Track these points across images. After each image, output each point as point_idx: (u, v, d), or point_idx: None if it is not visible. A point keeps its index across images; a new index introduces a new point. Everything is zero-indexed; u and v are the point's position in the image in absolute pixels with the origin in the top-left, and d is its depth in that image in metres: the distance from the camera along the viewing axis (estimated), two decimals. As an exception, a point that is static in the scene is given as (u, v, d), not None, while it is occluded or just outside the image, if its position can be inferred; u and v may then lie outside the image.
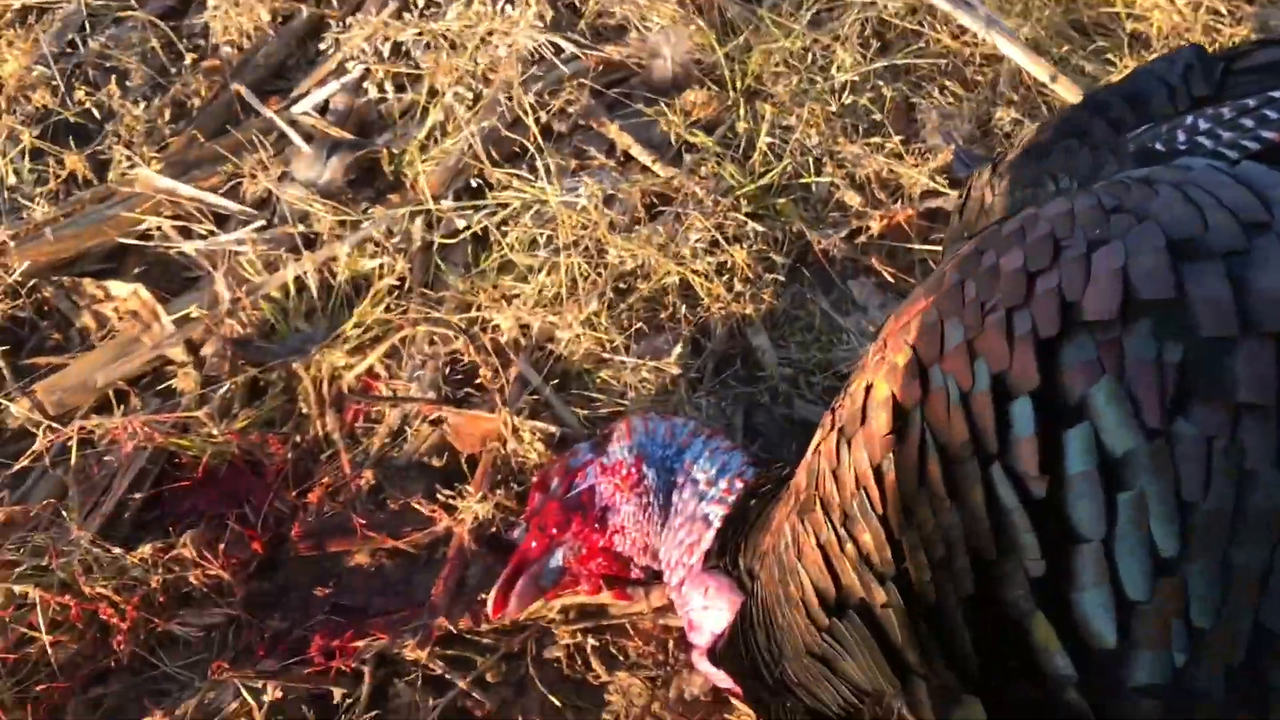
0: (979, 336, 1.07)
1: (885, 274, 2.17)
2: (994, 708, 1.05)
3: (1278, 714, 0.95)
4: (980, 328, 1.08)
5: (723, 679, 1.59)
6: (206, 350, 1.98)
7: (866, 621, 1.14)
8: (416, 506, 1.84)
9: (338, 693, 1.62)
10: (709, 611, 1.55)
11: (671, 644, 1.71)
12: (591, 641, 1.71)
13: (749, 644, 1.44)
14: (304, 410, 1.98)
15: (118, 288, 2.03)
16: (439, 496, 1.84)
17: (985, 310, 1.08)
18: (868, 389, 1.18)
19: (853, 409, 1.19)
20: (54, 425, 1.87)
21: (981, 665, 1.05)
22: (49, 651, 1.65)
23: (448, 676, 1.66)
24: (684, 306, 2.06)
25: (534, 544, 1.66)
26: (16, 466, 1.89)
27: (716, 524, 1.59)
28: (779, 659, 1.36)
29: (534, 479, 1.78)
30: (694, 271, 2.08)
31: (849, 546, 1.14)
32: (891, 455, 1.10)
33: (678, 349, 2.01)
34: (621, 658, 1.71)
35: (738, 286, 2.10)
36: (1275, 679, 0.95)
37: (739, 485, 1.61)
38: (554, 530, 1.66)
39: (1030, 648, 0.99)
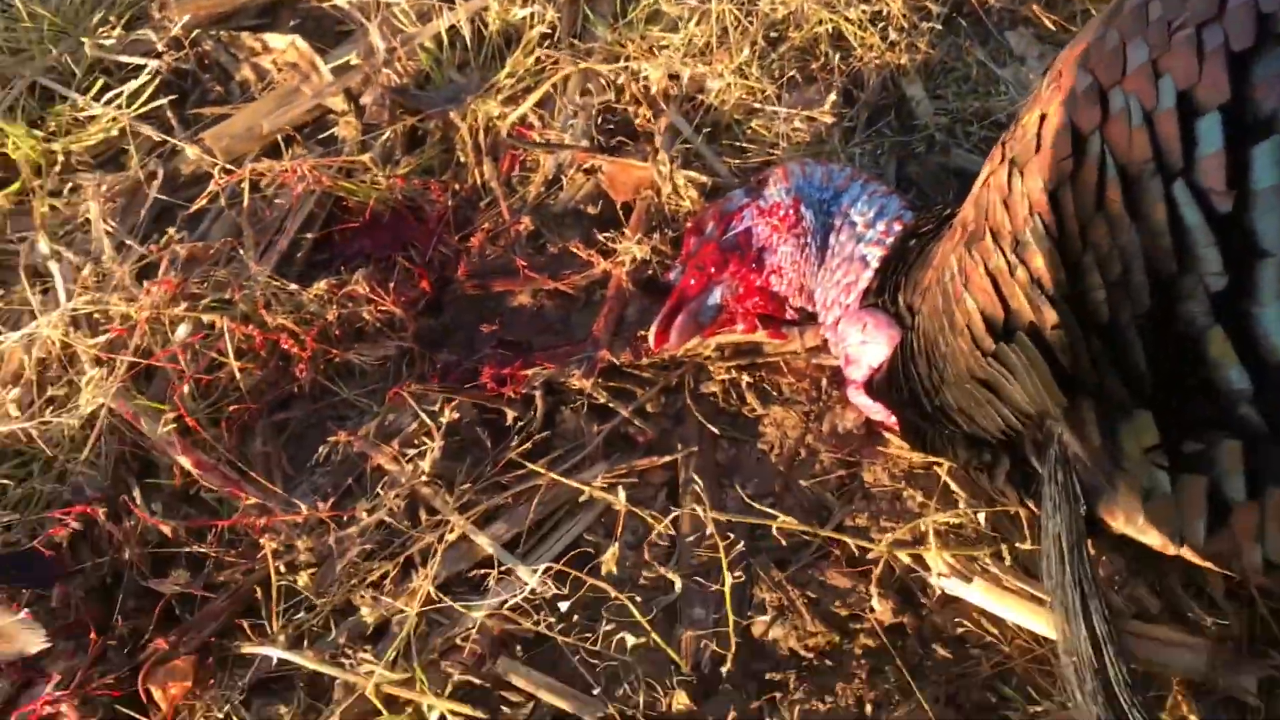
0: (1165, 55, 1.09)
1: (1045, 23, 2.14)
2: (1165, 423, 1.11)
3: None
4: (1166, 46, 1.09)
5: (877, 411, 1.68)
6: (365, 99, 2.08)
7: (1035, 343, 1.20)
8: (574, 250, 1.94)
9: (510, 415, 1.76)
10: (867, 346, 1.63)
11: (824, 381, 1.80)
12: (746, 378, 1.81)
13: (908, 374, 1.52)
14: (461, 159, 2.07)
15: (275, 40, 2.13)
16: (596, 241, 1.94)
17: (1172, 29, 1.10)
18: (1042, 118, 1.20)
19: (1025, 139, 1.22)
20: (228, 168, 2.01)
21: (1154, 383, 1.11)
22: (237, 377, 1.82)
23: (610, 405, 1.79)
24: (837, 56, 2.07)
25: (692, 282, 1.75)
26: (193, 208, 2.04)
27: (874, 264, 1.65)
28: (939, 387, 1.43)
29: (689, 223, 1.86)
30: (847, 20, 2.08)
31: (1019, 272, 1.18)
32: (1068, 180, 1.15)
33: (831, 98, 2.04)
34: (775, 393, 1.81)
35: (892, 35, 2.09)
36: None
37: (897, 227, 1.67)
38: (712, 270, 1.74)
39: (1205, 363, 1.04)
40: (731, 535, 1.58)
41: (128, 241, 1.94)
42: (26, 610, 1.59)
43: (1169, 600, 1.50)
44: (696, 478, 1.67)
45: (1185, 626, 1.47)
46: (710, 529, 1.56)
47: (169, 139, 2.09)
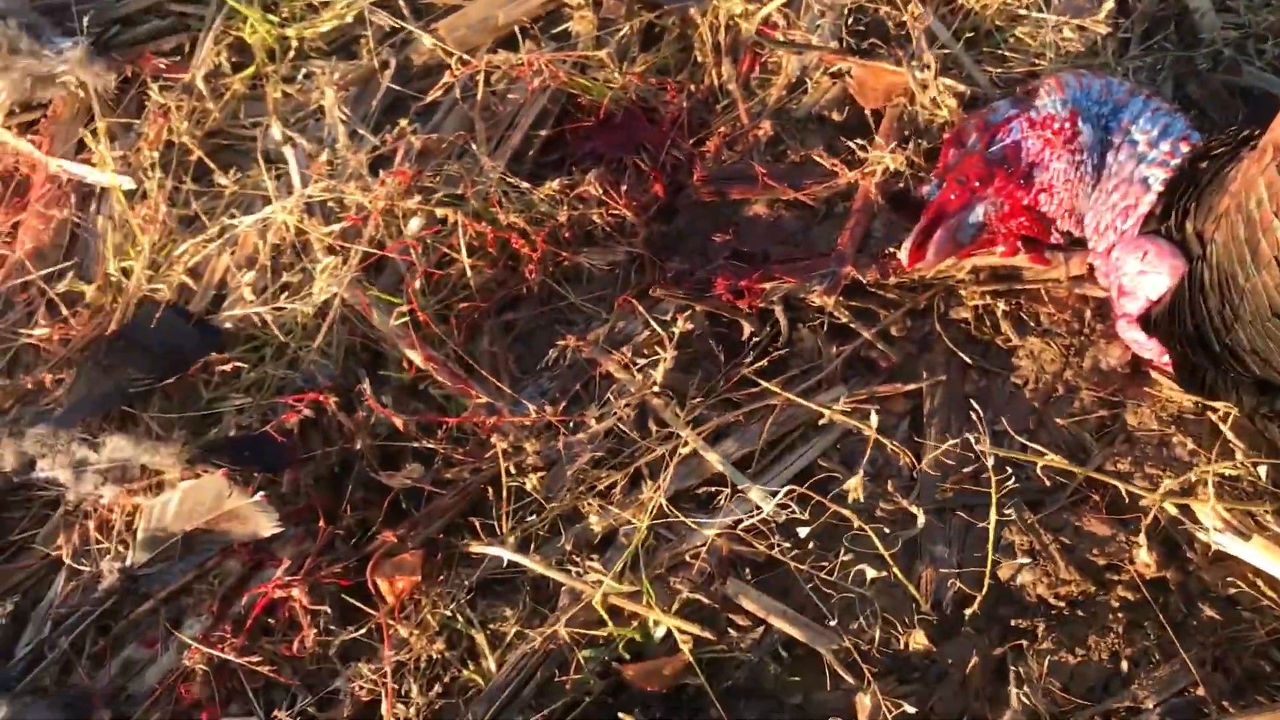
0: None
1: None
2: None
3: None
4: None
5: (1150, 348, 1.61)
6: (601, -7, 2.09)
7: None
8: (817, 159, 1.90)
9: (746, 329, 1.76)
10: (1145, 276, 1.56)
11: (1089, 313, 1.73)
12: (1002, 305, 1.75)
13: (1195, 309, 1.44)
14: (699, 58, 2.05)
15: (512, -72, 2.15)
16: (841, 150, 1.91)
17: None
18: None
19: None
20: (463, 58, 2.05)
21: None
22: (468, 274, 1.86)
23: (852, 326, 1.76)
24: (1112, -41, 1.97)
25: (952, 197, 1.69)
26: (427, 99, 2.08)
27: (1157, 187, 1.57)
28: (1232, 324, 1.36)
29: (947, 134, 1.80)
30: (1126, -82, 1.97)
31: None
32: None
33: (1106, 5, 1.93)
34: (1033, 323, 1.75)
35: (1177, -63, 1.98)
36: None
37: (1184, 148, 1.57)
38: (975, 184, 1.68)
39: None
40: (980, 472, 1.55)
41: (361, 131, 1.99)
42: (261, 494, 1.67)
43: None
44: (944, 406, 1.64)
45: None
46: (958, 460, 1.53)
47: (403, 25, 2.13)
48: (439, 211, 1.85)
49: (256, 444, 1.73)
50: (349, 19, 2.18)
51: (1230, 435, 1.57)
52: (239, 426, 1.78)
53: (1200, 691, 1.44)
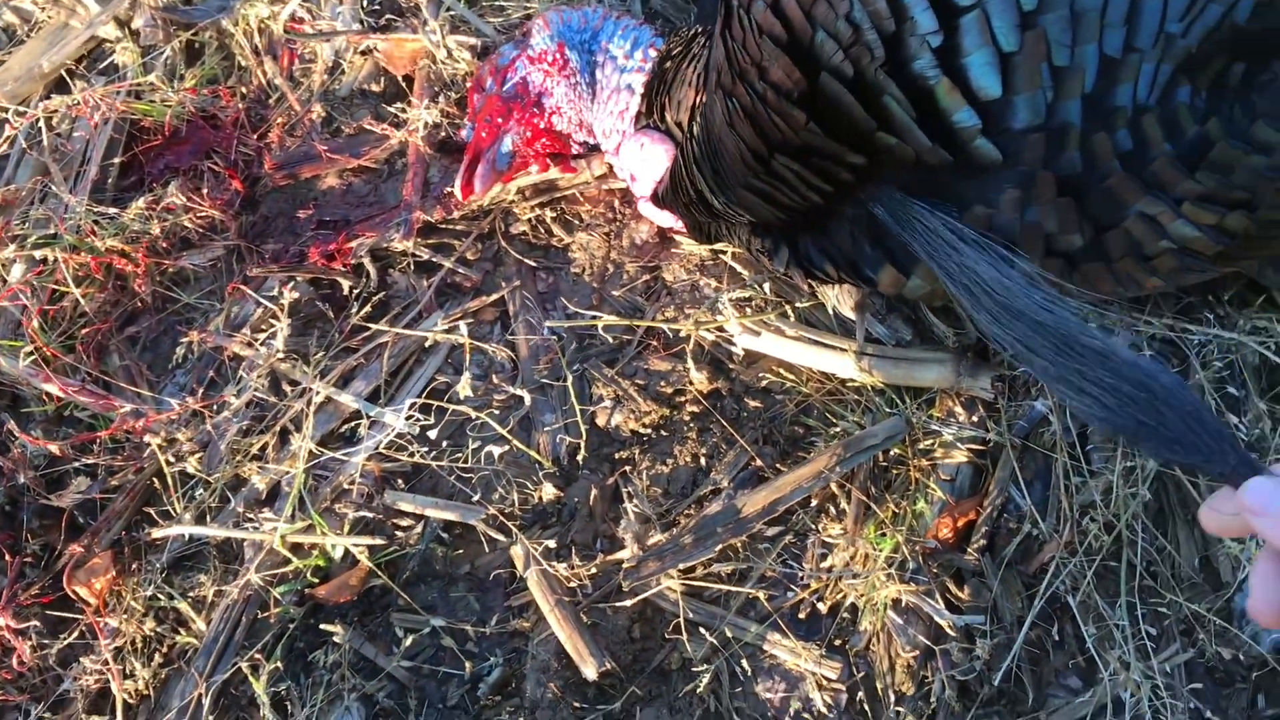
0: None
1: None
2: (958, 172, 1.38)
3: (1120, 126, 1.32)
4: None
5: (666, 219, 2.00)
6: (137, 23, 2.23)
7: (797, 156, 1.44)
8: (369, 127, 2.17)
9: (345, 284, 2.02)
10: (647, 163, 1.93)
11: (617, 203, 2.11)
12: (549, 213, 2.11)
13: (691, 179, 1.79)
14: (243, 62, 2.25)
15: (29, -21, 2.25)
16: (386, 115, 2.19)
17: None
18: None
19: None
20: (20, 109, 2.16)
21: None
22: (81, 302, 2.01)
23: (434, 260, 2.06)
24: (572, -93, 2.32)
25: (484, 135, 2.01)
26: (-6, 156, 2.19)
27: (640, 90, 1.94)
28: (723, 189, 1.66)
29: (469, 83, 2.12)
30: None
31: (769, 95, 1.39)
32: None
33: (585, -51, 2.29)
34: (577, 221, 2.11)
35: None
36: (1118, 97, 1.31)
37: (652, 54, 1.96)
38: (499, 120, 2.01)
39: (940, 112, 1.32)
40: (564, 349, 1.90)
41: (-63, 201, 2.07)
42: (-62, 547, 1.78)
43: (921, 327, 1.89)
44: (524, 305, 1.97)
45: (934, 346, 1.87)
46: (544, 344, 1.87)
47: (-50, 93, 2.20)
48: (37, 254, 1.97)
49: (-80, 508, 1.82)
50: (-109, 102, 2.20)
51: (738, 267, 1.96)
52: (-103, 499, 1.86)
53: (759, 463, 1.83)
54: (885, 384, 1.81)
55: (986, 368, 1.78)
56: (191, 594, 1.77)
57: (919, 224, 1.41)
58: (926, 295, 1.51)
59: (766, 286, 1.91)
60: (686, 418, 1.86)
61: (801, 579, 1.71)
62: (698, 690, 1.64)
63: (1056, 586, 1.66)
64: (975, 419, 1.79)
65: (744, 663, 1.66)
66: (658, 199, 1.91)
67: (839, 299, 1.85)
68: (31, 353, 1.89)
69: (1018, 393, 1.80)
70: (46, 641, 1.73)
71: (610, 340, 1.91)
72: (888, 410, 1.81)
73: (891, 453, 1.79)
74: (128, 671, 1.69)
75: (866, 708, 1.64)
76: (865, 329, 1.82)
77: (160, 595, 1.76)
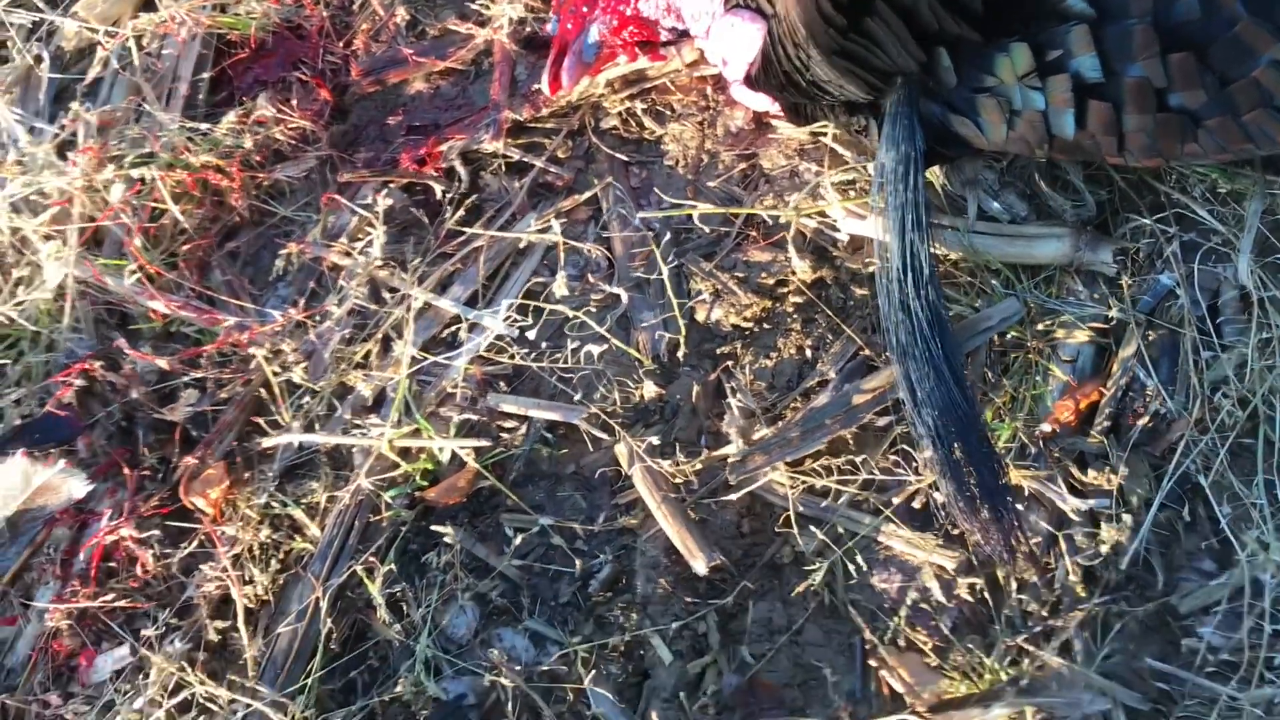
0: None
1: None
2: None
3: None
4: None
5: (761, 102, 1.92)
6: (217, -65, 2.23)
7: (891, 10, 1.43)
8: (453, 28, 2.13)
9: (438, 189, 2.00)
10: (739, 44, 1.86)
11: (710, 90, 2.04)
12: (640, 105, 2.05)
13: (780, 58, 1.76)
14: (324, -29, 2.24)
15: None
16: (470, 14, 2.14)
17: None
18: None
19: None
20: (110, 30, 2.17)
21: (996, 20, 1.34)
22: (180, 219, 2.03)
23: (525, 159, 2.03)
24: None
25: (569, 26, 1.96)
26: (88, 78, 2.20)
27: (729, -31, 1.87)
28: (808, 64, 1.66)
29: (553, -24, 2.06)
30: None
31: None
32: None
33: None
34: (669, 112, 2.05)
35: None
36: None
37: (741, -66, 1.88)
38: (583, 10, 1.95)
39: None
40: (659, 244, 1.86)
41: (37, 125, 2.10)
42: (63, 462, 1.84)
43: (1037, 202, 1.80)
44: (617, 201, 1.93)
45: (1051, 220, 1.78)
46: (639, 240, 1.83)
47: (44, 17, 2.22)
48: (135, 173, 1.99)
49: (43, 424, 1.88)
50: (-11, 26, 2.24)
51: (839, 149, 1.89)
52: (22, 416, 1.92)
53: (867, 352, 1.77)
54: (1000, 263, 1.73)
55: (1108, 241, 1.68)
56: (304, 501, 1.79)
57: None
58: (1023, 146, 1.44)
59: (870, 167, 1.83)
60: (789, 309, 1.82)
61: (915, 469, 1.66)
62: (812, 585, 1.60)
63: (1187, 466, 1.58)
64: (1096, 296, 1.70)
65: (858, 556, 1.63)
66: (751, 81, 1.85)
67: (948, 175, 1.77)
68: (135, 271, 1.92)
69: (1141, 266, 1.70)
70: (168, 551, 1.77)
71: (707, 232, 1.86)
72: (1003, 291, 1.73)
73: (1008, 336, 1.72)
74: (246, 578, 1.73)
75: (987, 596, 1.59)
76: (977, 205, 1.73)
77: (274, 503, 1.79)
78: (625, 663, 1.64)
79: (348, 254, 1.89)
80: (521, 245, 1.88)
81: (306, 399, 1.83)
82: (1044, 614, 1.57)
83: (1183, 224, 1.70)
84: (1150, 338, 1.66)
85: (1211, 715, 1.46)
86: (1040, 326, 1.70)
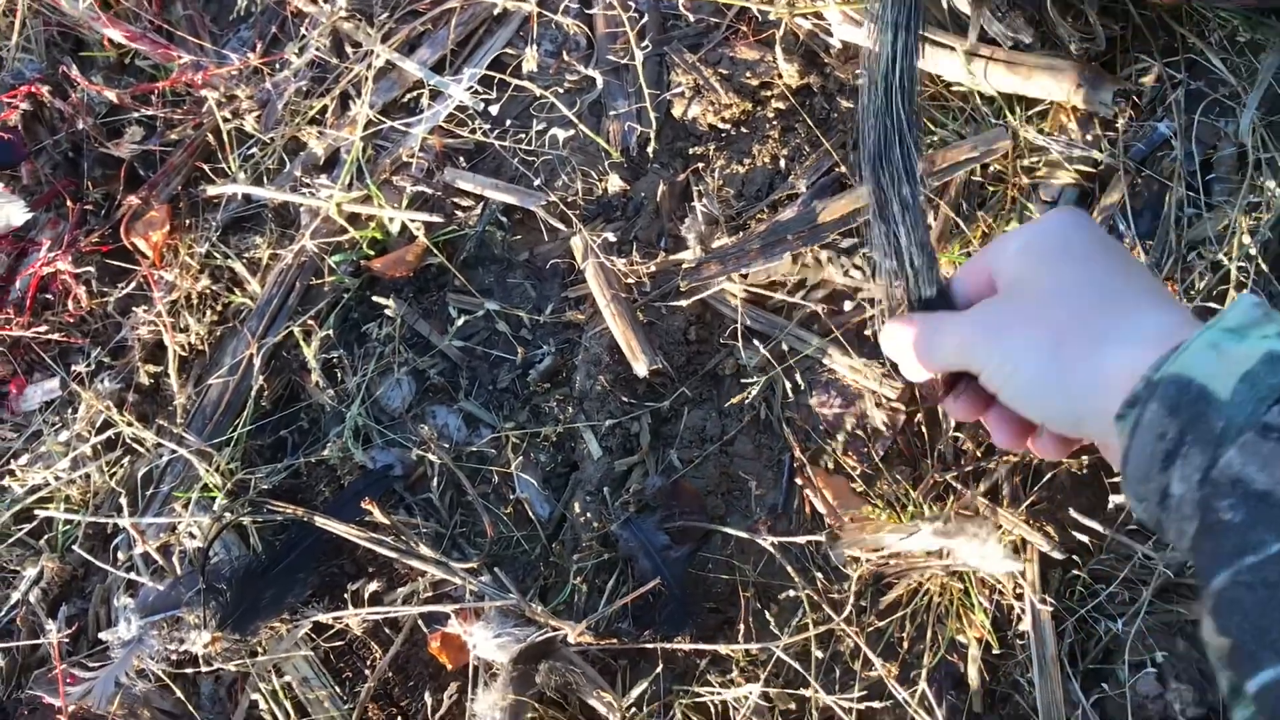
0: None
1: None
2: None
3: None
4: None
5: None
6: None
7: None
8: None
9: (413, -60, 1.89)
10: None
11: None
12: (642, -127, 1.91)
13: None
14: None
15: None
16: None
17: None
18: None
19: None
20: None
21: None
22: (143, -56, 1.93)
23: None
24: None
25: None
26: None
27: None
28: None
29: None
30: None
31: None
32: None
33: None
34: (673, -115, 1.92)
35: None
36: None
37: None
38: None
39: None
40: (644, 29, 1.76)
41: None
42: (2, 185, 1.79)
43: (1044, 30, 1.69)
44: (603, -24, 1.82)
45: (1055, 52, 1.67)
46: (623, 25, 1.73)
47: None
48: (96, -112, 1.87)
49: (-15, 147, 1.82)
50: None
51: (846, -51, 1.77)
52: (-37, 137, 1.86)
53: (843, 169, 1.71)
54: (996, 91, 1.65)
55: (1110, 81, 1.59)
56: (247, 255, 1.76)
57: None
58: None
59: (874, -29, 1.71)
60: (770, 115, 1.74)
61: (871, 299, 1.62)
62: (748, 398, 1.59)
63: (1147, 324, 1.54)
64: (1090, 137, 1.63)
65: (798, 375, 1.60)
66: None
67: (955, -12, 1.66)
68: (92, -7, 1.83)
69: (1142, 111, 1.62)
70: (105, 290, 1.75)
71: (693, 21, 1.77)
72: (993, 121, 1.65)
73: (991, 168, 1.65)
74: (182, 325, 1.71)
75: (924, 430, 1.58)
76: (980, 25, 1.63)
77: (216, 254, 1.76)
78: (555, 453, 1.64)
79: (313, 1, 1.79)
80: (497, 12, 1.78)
81: (256, 150, 1.77)
82: (978, 454, 1.56)
83: (1193, 71, 1.61)
84: (1136, 188, 1.59)
85: (1123, 571, 1.46)
86: (1026, 162, 1.63)
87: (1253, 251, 1.47)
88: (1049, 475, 1.48)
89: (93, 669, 1.48)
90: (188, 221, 1.74)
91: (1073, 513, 1.48)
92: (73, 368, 1.67)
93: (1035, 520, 1.46)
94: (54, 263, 1.69)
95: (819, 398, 1.60)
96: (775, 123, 1.72)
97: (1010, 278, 0.69)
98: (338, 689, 1.57)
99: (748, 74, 1.75)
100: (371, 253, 1.72)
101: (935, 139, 1.65)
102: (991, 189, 1.63)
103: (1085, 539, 1.47)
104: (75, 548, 1.61)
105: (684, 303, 1.62)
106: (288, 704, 1.53)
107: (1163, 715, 1.43)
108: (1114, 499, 1.48)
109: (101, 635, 1.54)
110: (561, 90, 1.71)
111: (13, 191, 1.73)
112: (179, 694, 1.54)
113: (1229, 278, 1.50)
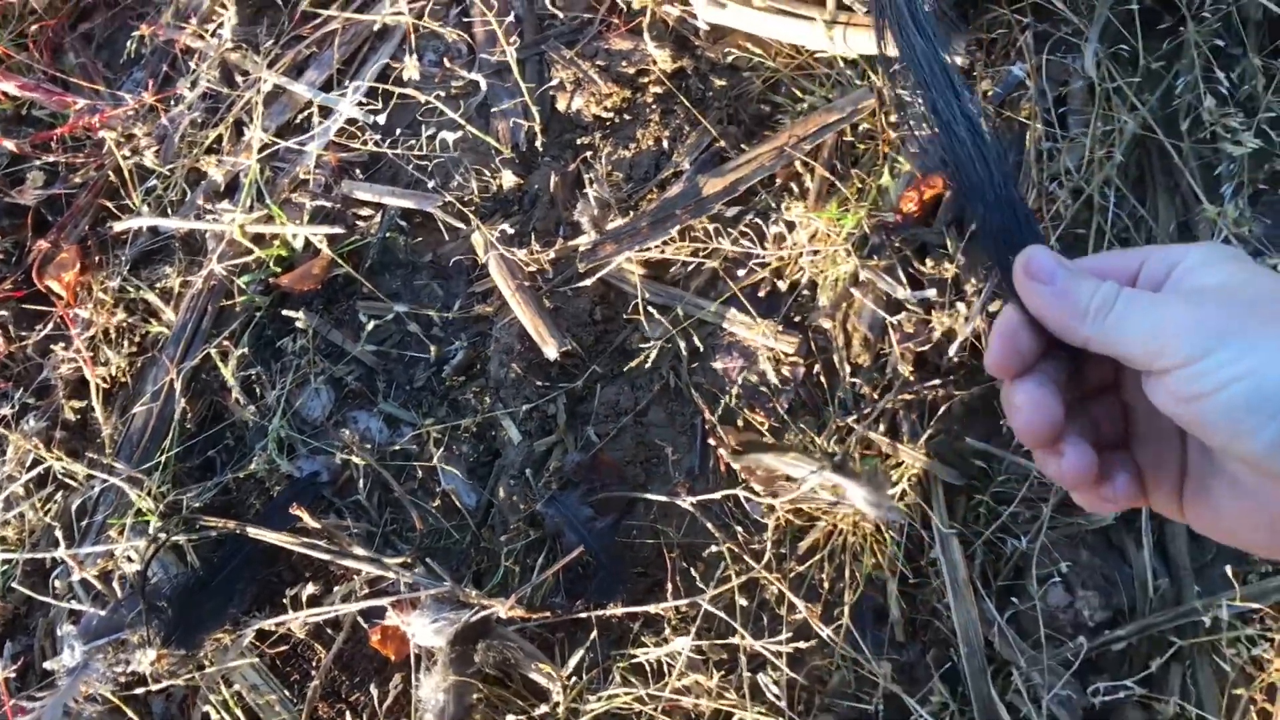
0: None
1: None
2: None
3: None
4: None
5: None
6: None
7: None
8: None
9: (290, -32, 1.96)
10: None
11: None
12: (505, -116, 1.99)
13: None
14: None
15: None
16: None
17: None
18: None
19: None
20: None
21: None
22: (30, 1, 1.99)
23: (384, -61, 1.98)
24: None
25: None
26: None
27: None
28: None
29: None
30: None
31: None
32: None
33: None
34: (536, -108, 2.00)
35: None
36: None
37: None
38: None
39: None
40: (521, 33, 1.84)
41: None
42: (-90, 243, 1.83)
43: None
44: (477, -16, 1.90)
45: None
46: (500, 30, 1.81)
47: None
48: (-23, -53, 1.92)
49: (-111, 205, 1.86)
50: None
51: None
52: None
53: (722, 143, 1.78)
54: (858, 56, 1.73)
55: (961, 33, 1.69)
56: (159, 285, 1.81)
57: None
58: None
59: (734, -45, 1.80)
60: (650, 100, 1.82)
61: (761, 258, 1.70)
62: (646, 363, 1.66)
63: (1018, 255, 1.63)
64: (947, 87, 1.71)
65: (696, 339, 1.67)
66: None
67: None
68: (-17, 50, 1.88)
69: (995, 58, 1.71)
70: (23, 334, 1.79)
71: (566, 19, 1.84)
72: (858, 83, 1.74)
73: (860, 128, 1.73)
74: (101, 359, 1.75)
75: (823, 380, 1.65)
76: (832, -6, 1.72)
77: (129, 287, 1.80)
78: (477, 443, 1.69)
79: (200, 36, 1.86)
80: (377, 28, 1.85)
81: (158, 184, 1.83)
82: (875, 397, 1.63)
83: (1038, 14, 1.71)
84: (998, 129, 1.68)
85: (1021, 490, 1.54)
86: (893, 118, 1.71)
87: (1111, 174, 1.56)
88: (944, 408, 1.56)
89: (39, 699, 1.52)
90: (98, 259, 1.78)
91: (970, 441, 1.55)
92: (-2, 412, 1.71)
93: (935, 453, 1.53)
94: (-34, 314, 1.72)
95: (722, 361, 1.67)
96: (655, 106, 1.80)
97: (1219, 281, 0.58)
98: (287, 692, 1.61)
99: (624, 63, 1.82)
100: (279, 270, 1.78)
101: (804, 106, 1.73)
102: (862, 146, 1.71)
103: (984, 464, 1.55)
104: (15, 585, 1.65)
105: (587, 282, 1.69)
106: (239, 712, 1.58)
107: (1073, 622, 1.50)
108: (1006, 424, 1.56)
109: (47, 665, 1.58)
110: (447, 95, 1.77)
111: (-81, 249, 1.75)
112: (131, 715, 1.58)
113: (1091, 203, 1.58)
